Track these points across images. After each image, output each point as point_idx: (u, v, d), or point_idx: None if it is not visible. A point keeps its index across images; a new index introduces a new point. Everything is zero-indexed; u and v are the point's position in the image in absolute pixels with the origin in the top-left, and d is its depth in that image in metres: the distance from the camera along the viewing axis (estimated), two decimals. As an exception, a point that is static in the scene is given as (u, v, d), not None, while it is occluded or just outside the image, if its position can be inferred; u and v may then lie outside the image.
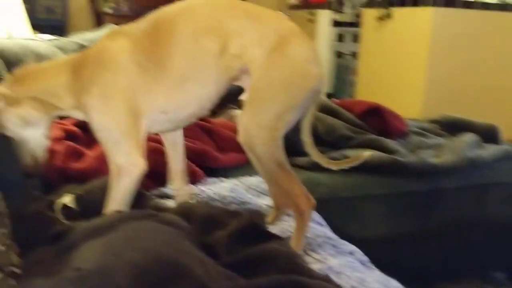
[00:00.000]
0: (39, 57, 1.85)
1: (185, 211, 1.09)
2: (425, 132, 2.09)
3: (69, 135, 1.61)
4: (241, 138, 1.06)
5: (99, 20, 5.37)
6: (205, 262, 0.80)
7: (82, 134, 1.63)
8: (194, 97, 1.10)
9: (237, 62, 1.06)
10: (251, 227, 1.00)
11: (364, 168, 1.71)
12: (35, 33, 2.62)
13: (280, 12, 1.17)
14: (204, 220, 1.06)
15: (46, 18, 4.84)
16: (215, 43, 1.05)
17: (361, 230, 1.68)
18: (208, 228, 1.03)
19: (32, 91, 1.09)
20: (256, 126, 1.03)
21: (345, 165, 1.29)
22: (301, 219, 1.10)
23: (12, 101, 1.08)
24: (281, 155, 1.07)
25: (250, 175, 1.52)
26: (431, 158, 1.77)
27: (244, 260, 0.92)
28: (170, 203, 1.32)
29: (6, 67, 1.59)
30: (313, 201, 1.13)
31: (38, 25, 3.23)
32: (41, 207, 1.13)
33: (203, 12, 1.09)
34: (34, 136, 1.12)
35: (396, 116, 2.01)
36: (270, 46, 1.03)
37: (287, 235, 1.16)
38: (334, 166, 1.26)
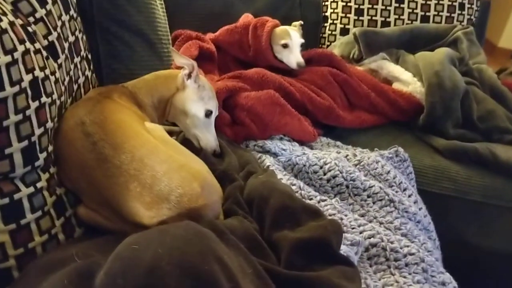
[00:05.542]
0: None
1: (261, 195, 1.03)
2: None
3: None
4: None
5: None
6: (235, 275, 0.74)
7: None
8: None
9: None
10: (320, 243, 0.91)
11: (508, 172, 1.42)
12: None
13: None
14: (276, 212, 0.99)
15: None
16: None
17: (486, 240, 1.45)
18: (277, 222, 0.97)
19: None
20: None
21: None
22: None
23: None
24: None
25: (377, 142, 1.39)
26: None
27: (297, 280, 0.85)
28: (268, 160, 1.27)
29: None
30: None
31: None
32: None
33: None
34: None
35: None
36: None
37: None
38: None
